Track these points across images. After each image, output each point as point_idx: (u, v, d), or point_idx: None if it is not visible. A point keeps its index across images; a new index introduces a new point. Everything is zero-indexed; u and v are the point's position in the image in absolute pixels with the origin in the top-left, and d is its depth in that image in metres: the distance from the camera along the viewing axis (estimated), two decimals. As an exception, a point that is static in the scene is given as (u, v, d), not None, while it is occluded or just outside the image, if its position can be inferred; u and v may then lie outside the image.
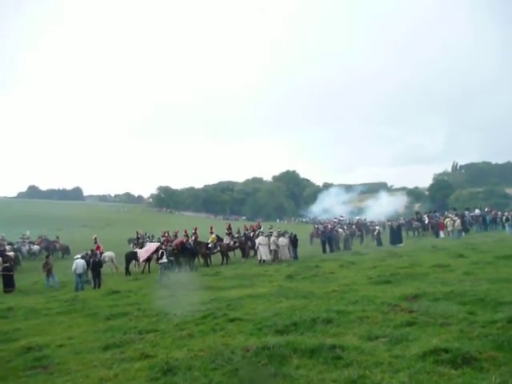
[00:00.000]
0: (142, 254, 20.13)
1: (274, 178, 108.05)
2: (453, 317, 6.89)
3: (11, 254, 24.18)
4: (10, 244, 29.95)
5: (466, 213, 33.81)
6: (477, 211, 35.81)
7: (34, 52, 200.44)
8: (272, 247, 21.47)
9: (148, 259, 21.76)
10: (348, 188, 75.87)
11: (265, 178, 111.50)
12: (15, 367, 6.73)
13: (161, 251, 18.08)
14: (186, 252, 20.90)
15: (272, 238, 21.96)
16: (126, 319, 9.66)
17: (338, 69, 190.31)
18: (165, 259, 17.72)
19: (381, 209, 51.84)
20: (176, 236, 26.10)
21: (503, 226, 29.84)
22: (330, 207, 62.71)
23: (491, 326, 6.15)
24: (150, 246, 21.21)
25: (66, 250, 32.23)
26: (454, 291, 8.96)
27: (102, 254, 20.94)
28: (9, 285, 17.35)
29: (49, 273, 17.92)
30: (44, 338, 8.61)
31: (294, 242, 22.48)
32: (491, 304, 7.57)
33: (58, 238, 34.81)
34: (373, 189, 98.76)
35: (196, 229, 24.62)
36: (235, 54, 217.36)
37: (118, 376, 5.73)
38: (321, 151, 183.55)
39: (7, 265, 18.51)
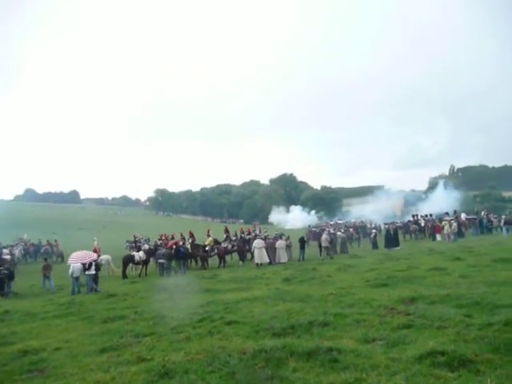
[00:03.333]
0: (73, 258, 17.68)
1: (271, 180, 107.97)
2: (449, 320, 6.92)
3: (8, 257, 24.07)
4: (5, 247, 29.85)
5: (463, 215, 33.96)
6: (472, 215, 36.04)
7: (32, 54, 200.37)
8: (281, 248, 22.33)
9: (145, 262, 21.75)
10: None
11: (262, 181, 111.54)
12: (11, 371, 6.69)
13: (89, 262, 16.92)
14: (179, 255, 20.86)
15: (280, 241, 22.66)
16: (122, 322, 9.64)
17: (337, 71, 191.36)
18: (93, 271, 16.71)
19: (378, 211, 52.07)
20: (172, 238, 26.09)
21: (500, 229, 29.98)
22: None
23: (487, 329, 6.18)
24: (84, 254, 18.35)
25: (60, 257, 31.48)
26: (450, 294, 9.00)
27: (98, 257, 20.88)
28: (4, 288, 17.26)
29: (47, 276, 17.88)
30: (40, 341, 8.57)
31: (302, 243, 23.24)
32: (488, 307, 7.61)
33: (56, 241, 34.60)
34: (370, 192, 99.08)
35: (191, 233, 24.59)
36: (234, 56, 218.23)
37: (114, 379, 5.71)
38: (318, 154, 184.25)
39: (2, 268, 18.39)
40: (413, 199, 58.79)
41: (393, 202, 62.46)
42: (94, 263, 16.86)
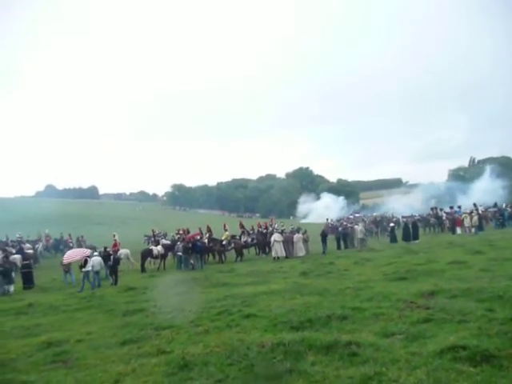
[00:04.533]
0: (67, 256, 18.04)
1: (288, 174, 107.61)
2: (471, 314, 6.81)
3: (30, 251, 24.66)
4: (28, 242, 30.56)
5: (481, 208, 33.12)
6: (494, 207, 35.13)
7: (47, 50, 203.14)
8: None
9: (163, 256, 22.00)
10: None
11: (278, 175, 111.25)
12: (36, 361, 6.89)
13: (84, 259, 16.85)
14: (196, 249, 21.03)
15: (297, 235, 22.75)
16: (142, 315, 9.79)
17: (350, 65, 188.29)
18: (89, 267, 16.46)
19: (399, 205, 50.77)
20: (188, 233, 26.31)
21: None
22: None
23: (511, 324, 6.07)
24: (77, 252, 18.99)
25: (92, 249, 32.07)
26: (471, 288, 8.85)
27: (117, 251, 21.21)
28: (28, 282, 17.72)
29: (67, 270, 18.25)
30: (63, 333, 8.77)
31: (323, 237, 23.48)
32: (510, 301, 7.46)
33: (82, 237, 34.75)
34: (387, 185, 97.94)
35: (208, 227, 24.76)
36: (247, 50, 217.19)
37: (135, 371, 5.82)
38: (334, 149, 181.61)
39: (27, 262, 18.87)
40: (450, 191, 53.98)
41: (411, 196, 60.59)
42: (89, 260, 16.69)
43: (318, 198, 73.31)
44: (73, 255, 17.93)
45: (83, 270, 16.52)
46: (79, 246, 33.15)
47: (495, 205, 36.23)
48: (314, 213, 63.25)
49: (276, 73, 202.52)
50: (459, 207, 33.94)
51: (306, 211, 67.44)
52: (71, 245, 33.75)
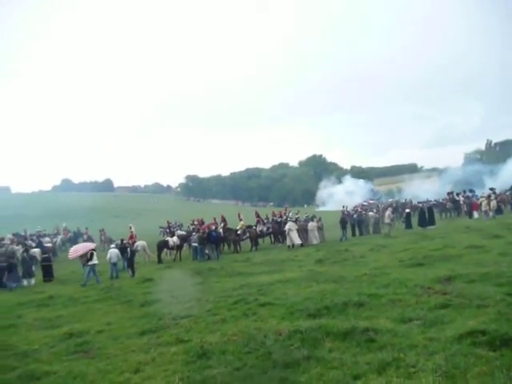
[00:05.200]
0: (71, 251, 17.88)
1: (301, 163, 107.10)
2: (489, 298, 6.73)
3: (49, 245, 25.12)
4: (47, 236, 31.15)
5: (497, 191, 32.38)
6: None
7: (60, 45, 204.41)
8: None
9: (179, 247, 22.20)
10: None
11: (291, 164, 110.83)
12: (59, 352, 7.06)
13: (90, 252, 16.52)
14: (212, 239, 21.15)
15: (312, 223, 22.83)
16: (160, 306, 9.91)
17: (362, 53, 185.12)
18: (95, 261, 16.23)
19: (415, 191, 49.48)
20: (203, 223, 26.45)
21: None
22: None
23: (531, 307, 5.97)
24: (81, 247, 18.75)
25: (110, 242, 32.47)
26: (490, 272, 8.74)
27: (134, 243, 21.46)
28: (48, 275, 18.10)
29: (86, 262, 18.52)
30: (84, 324, 8.96)
31: (343, 224, 23.70)
32: (530, 285, 7.35)
33: (103, 230, 35.01)
34: (402, 171, 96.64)
35: (223, 217, 24.85)
36: (259, 38, 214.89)
37: (155, 360, 5.92)
38: (348, 135, 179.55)
39: (46, 255, 19.25)
40: (477, 174, 49.80)
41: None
42: (94, 253, 16.48)
43: (340, 182, 70.05)
44: (78, 250, 17.80)
45: (89, 263, 16.24)
46: (100, 239, 33.68)
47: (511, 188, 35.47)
48: (336, 198, 59.83)
49: (290, 62, 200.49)
50: (471, 191, 33.45)
51: (326, 197, 64.62)
52: (85, 237, 34.24)
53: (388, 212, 24.51)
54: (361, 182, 68.01)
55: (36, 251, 20.73)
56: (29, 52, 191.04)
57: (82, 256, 18.35)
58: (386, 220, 23.79)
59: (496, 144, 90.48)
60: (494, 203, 26.09)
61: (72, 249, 18.58)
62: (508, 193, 33.67)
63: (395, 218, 32.96)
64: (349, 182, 67.22)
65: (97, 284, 15.53)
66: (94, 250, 16.97)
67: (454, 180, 51.75)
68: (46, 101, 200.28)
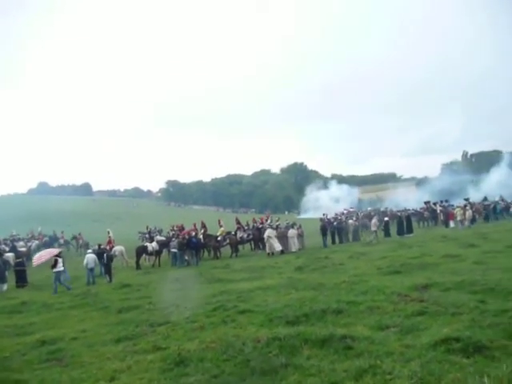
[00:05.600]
0: (35, 258, 17.08)
1: (282, 170, 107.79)
2: (464, 306, 6.87)
3: (24, 249, 24.52)
4: (22, 240, 30.41)
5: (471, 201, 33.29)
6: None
7: (41, 49, 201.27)
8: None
9: (158, 253, 21.95)
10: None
11: (273, 171, 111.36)
12: (30, 360, 6.85)
13: (54, 259, 15.66)
14: (191, 245, 21.02)
15: (292, 230, 22.95)
16: (137, 312, 9.77)
17: (347, 60, 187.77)
18: (61, 267, 15.48)
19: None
20: (183, 229, 26.29)
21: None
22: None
23: (503, 315, 6.13)
24: (45, 253, 17.79)
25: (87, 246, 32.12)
26: (464, 281, 8.93)
27: (112, 248, 21.15)
28: (22, 280, 17.60)
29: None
30: (57, 331, 8.74)
31: (323, 231, 24.16)
32: (503, 293, 7.56)
33: (80, 234, 34.45)
34: (381, 179, 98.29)
35: (203, 223, 24.74)
36: (243, 48, 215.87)
37: (131, 368, 5.81)
38: (328, 145, 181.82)
39: (20, 260, 18.75)
40: (460, 184, 50.42)
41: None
42: (59, 260, 15.64)
43: (326, 187, 70.03)
44: (41, 256, 16.98)
45: (54, 270, 15.36)
46: (77, 243, 33.16)
47: (485, 198, 36.53)
48: (321, 203, 59.50)
49: (271, 71, 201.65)
50: (446, 201, 34.40)
51: (313, 201, 64.01)
52: (62, 242, 33.67)
53: (374, 220, 24.85)
54: (345, 187, 68.21)
55: (9, 256, 20.25)
56: (10, 52, 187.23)
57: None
58: (373, 228, 24.09)
59: (472, 155, 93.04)
60: (469, 213, 26.75)
61: (36, 255, 17.75)
62: (486, 203, 34.61)
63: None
64: (334, 188, 67.50)
65: (68, 291, 15.07)
66: (58, 256, 16.05)
67: (438, 190, 52.39)
68: (25, 101, 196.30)
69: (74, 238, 33.79)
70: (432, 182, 60.53)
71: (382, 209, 44.50)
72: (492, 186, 44.74)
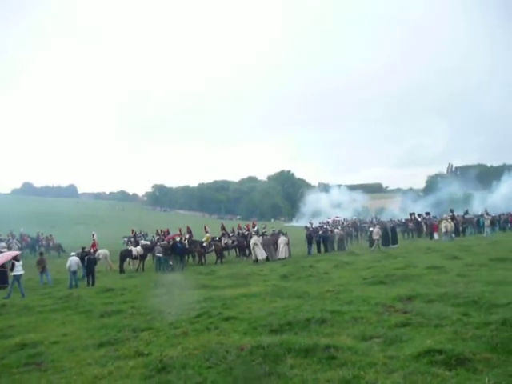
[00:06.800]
0: None
1: (269, 177, 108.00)
2: (447, 318, 6.94)
3: (5, 250, 24.00)
4: (2, 241, 29.81)
5: (456, 214, 33.95)
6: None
7: (32, 51, 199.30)
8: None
9: (143, 257, 21.74)
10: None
11: (260, 178, 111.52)
12: (9, 364, 6.68)
13: (12, 262, 15.10)
14: (176, 251, 20.88)
15: (283, 237, 22.99)
16: (120, 317, 9.63)
17: (335, 69, 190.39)
18: (18, 271, 14.81)
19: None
20: (168, 233, 26.13)
21: (501, 228, 30.39)
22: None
23: (485, 328, 6.20)
24: (2, 255, 16.87)
25: (59, 248, 32.10)
26: (448, 293, 9.02)
27: (96, 251, 20.86)
28: (2, 281, 17.21)
29: (43, 270, 17.81)
30: (38, 335, 8.55)
31: (309, 239, 24.46)
32: (485, 306, 7.65)
33: (51, 235, 34.69)
34: (368, 190, 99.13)
35: (189, 228, 24.62)
36: (229, 54, 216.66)
37: (112, 374, 5.72)
38: (316, 153, 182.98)
39: (0, 261, 18.33)
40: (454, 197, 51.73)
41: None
42: (17, 263, 14.89)
43: (326, 190, 69.51)
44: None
45: (12, 274, 14.81)
46: (47, 245, 32.92)
47: (466, 212, 37.20)
48: (323, 211, 57.75)
49: (258, 77, 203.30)
50: (427, 213, 35.04)
51: (312, 209, 62.11)
52: (44, 243, 33.38)
53: (377, 229, 24.98)
54: (348, 193, 67.36)
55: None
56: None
57: (39, 264, 17.69)
58: (375, 236, 24.21)
59: (457, 168, 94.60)
60: (451, 225, 27.15)
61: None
62: (467, 216, 35.20)
63: (358, 235, 33.80)
64: (335, 190, 67.33)
65: (21, 297, 14.34)
66: (16, 259, 15.33)
67: (445, 200, 52.25)
68: (11, 101, 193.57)
69: (46, 239, 33.91)
70: (437, 193, 60.95)
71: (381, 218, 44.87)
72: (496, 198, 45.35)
